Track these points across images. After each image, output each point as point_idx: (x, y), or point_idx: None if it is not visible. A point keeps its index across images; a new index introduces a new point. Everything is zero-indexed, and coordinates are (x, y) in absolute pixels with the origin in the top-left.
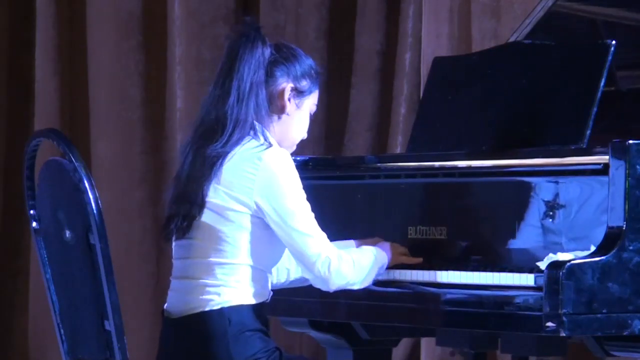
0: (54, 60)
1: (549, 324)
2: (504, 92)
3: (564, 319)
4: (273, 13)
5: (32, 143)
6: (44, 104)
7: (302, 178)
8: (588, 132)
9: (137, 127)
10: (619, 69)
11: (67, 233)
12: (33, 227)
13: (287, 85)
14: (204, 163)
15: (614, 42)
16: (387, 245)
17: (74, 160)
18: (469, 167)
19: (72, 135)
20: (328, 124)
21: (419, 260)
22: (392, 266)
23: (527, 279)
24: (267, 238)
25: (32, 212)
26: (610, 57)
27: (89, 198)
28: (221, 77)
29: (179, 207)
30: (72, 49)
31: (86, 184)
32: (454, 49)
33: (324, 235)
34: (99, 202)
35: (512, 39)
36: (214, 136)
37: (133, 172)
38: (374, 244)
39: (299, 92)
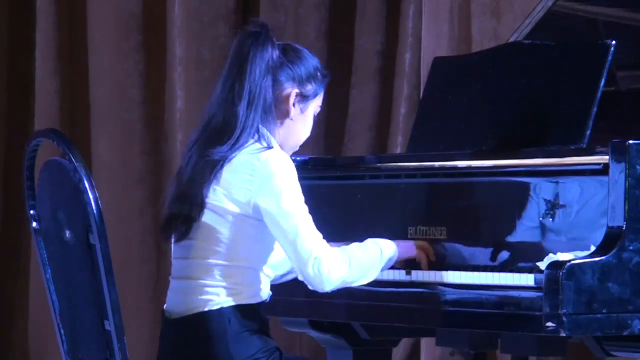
0: (54, 60)
1: (549, 324)
2: (503, 92)
3: (564, 319)
4: (273, 13)
5: (32, 143)
6: (44, 104)
7: (302, 178)
8: (588, 132)
9: (137, 127)
10: (619, 69)
11: (67, 233)
12: (33, 227)
13: (292, 91)
14: (206, 165)
15: (614, 42)
16: (410, 242)
17: (74, 160)
18: (469, 167)
19: (72, 135)
20: (328, 124)
21: (432, 259)
22: (402, 261)
23: (527, 279)
24: (265, 240)
25: (32, 212)
26: (610, 57)
27: (89, 198)
28: (230, 78)
29: (179, 208)
30: (72, 49)
31: (86, 184)
32: (454, 49)
33: (319, 236)
34: (99, 202)
35: (512, 39)
36: (221, 139)
37: (133, 172)
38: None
39: (303, 97)
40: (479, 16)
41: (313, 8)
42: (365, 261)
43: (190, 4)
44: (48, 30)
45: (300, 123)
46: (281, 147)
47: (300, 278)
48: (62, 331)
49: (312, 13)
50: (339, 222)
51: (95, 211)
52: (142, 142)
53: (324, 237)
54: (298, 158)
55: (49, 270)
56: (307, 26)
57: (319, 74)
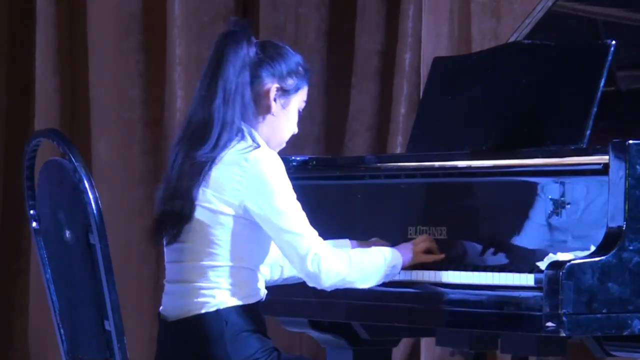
0: (54, 60)
1: (549, 324)
2: (504, 92)
3: (564, 319)
4: (273, 13)
5: (32, 143)
6: (44, 104)
7: (302, 178)
8: (588, 132)
9: (137, 127)
10: (619, 69)
11: (67, 233)
12: (33, 227)
13: (272, 86)
14: (193, 166)
15: (614, 42)
16: (408, 245)
17: (74, 160)
18: (469, 167)
19: (72, 135)
20: (328, 124)
21: (441, 256)
22: (411, 266)
23: (527, 279)
24: (257, 238)
25: (32, 212)
26: (610, 57)
27: (89, 198)
28: (207, 77)
29: (170, 207)
30: (72, 49)
31: (86, 184)
32: (454, 49)
33: (314, 233)
34: (99, 202)
35: (512, 39)
36: (201, 138)
37: (133, 172)
38: (368, 246)
39: (284, 92)
40: (479, 16)
41: (313, 8)
42: (367, 263)
43: (190, 4)
44: (48, 30)
45: (283, 118)
46: (267, 143)
47: (299, 275)
48: (62, 331)
49: (312, 13)
50: (339, 222)
51: (95, 211)
52: (142, 142)
53: (324, 238)
54: (298, 158)
55: (49, 270)
56: (307, 26)
57: (300, 68)
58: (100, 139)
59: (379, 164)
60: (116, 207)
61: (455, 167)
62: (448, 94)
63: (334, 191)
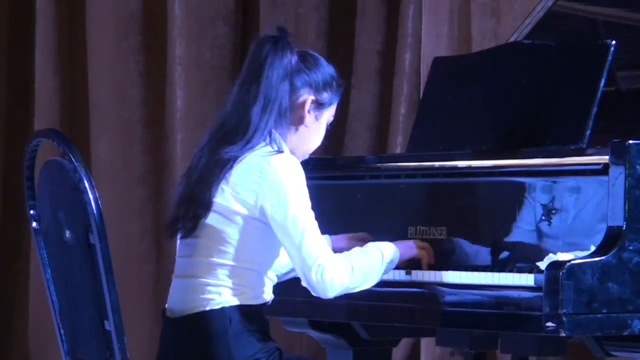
0: (54, 60)
1: (549, 324)
2: (504, 92)
3: (564, 319)
4: (273, 13)
5: (32, 143)
6: (44, 104)
7: None
8: (588, 132)
9: (137, 127)
10: (619, 69)
11: (67, 233)
12: (33, 227)
13: (308, 98)
14: (216, 164)
15: (614, 42)
16: (408, 241)
17: (74, 160)
18: (469, 167)
19: (72, 135)
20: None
21: (432, 261)
22: (405, 261)
23: (527, 279)
24: (268, 243)
25: (32, 212)
26: (610, 57)
27: (89, 198)
28: (247, 81)
29: (186, 208)
30: (72, 49)
31: (86, 184)
32: (454, 49)
33: (324, 243)
34: (99, 202)
35: (512, 39)
36: (233, 140)
37: (133, 172)
38: (361, 239)
39: (319, 104)
40: (479, 16)
41: (313, 8)
42: (367, 267)
43: (190, 4)
44: (48, 30)
45: (314, 131)
46: (292, 153)
47: (303, 284)
48: (62, 331)
49: (312, 13)
50: (339, 222)
51: (95, 211)
52: (142, 142)
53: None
54: None
55: (49, 270)
56: (307, 26)
57: (334, 82)
58: (100, 139)
59: (379, 164)
60: (116, 207)
61: (455, 167)
62: (448, 94)
63: (334, 191)
